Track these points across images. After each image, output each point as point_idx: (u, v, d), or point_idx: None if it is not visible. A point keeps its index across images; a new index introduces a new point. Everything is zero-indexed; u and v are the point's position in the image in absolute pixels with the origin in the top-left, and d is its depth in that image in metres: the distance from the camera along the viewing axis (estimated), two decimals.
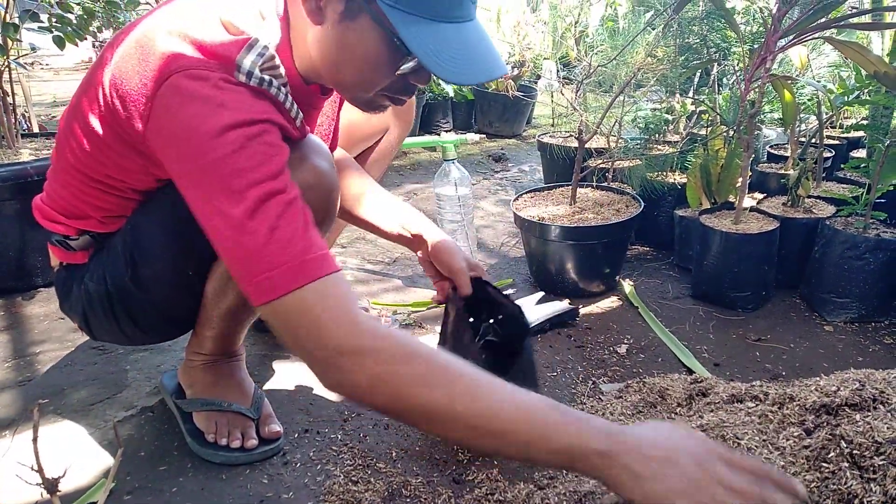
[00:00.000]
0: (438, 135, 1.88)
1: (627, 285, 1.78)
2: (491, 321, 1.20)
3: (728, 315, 1.63)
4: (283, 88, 0.88)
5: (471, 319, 1.22)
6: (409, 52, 0.81)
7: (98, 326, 1.10)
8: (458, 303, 1.18)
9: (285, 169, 0.81)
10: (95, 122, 0.92)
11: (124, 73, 0.86)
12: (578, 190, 1.87)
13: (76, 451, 1.16)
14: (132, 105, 0.86)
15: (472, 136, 1.99)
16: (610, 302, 1.73)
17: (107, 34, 2.52)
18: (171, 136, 0.81)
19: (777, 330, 1.55)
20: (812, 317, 1.61)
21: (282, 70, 0.88)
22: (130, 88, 0.85)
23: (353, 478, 1.08)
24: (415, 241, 1.23)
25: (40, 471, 0.91)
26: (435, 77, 0.86)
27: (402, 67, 0.86)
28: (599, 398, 1.31)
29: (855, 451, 0.78)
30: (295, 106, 0.92)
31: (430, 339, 1.54)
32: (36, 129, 2.27)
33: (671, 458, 0.70)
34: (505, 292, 1.22)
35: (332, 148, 1.27)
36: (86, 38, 2.03)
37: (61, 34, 1.90)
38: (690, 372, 1.38)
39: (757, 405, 1.01)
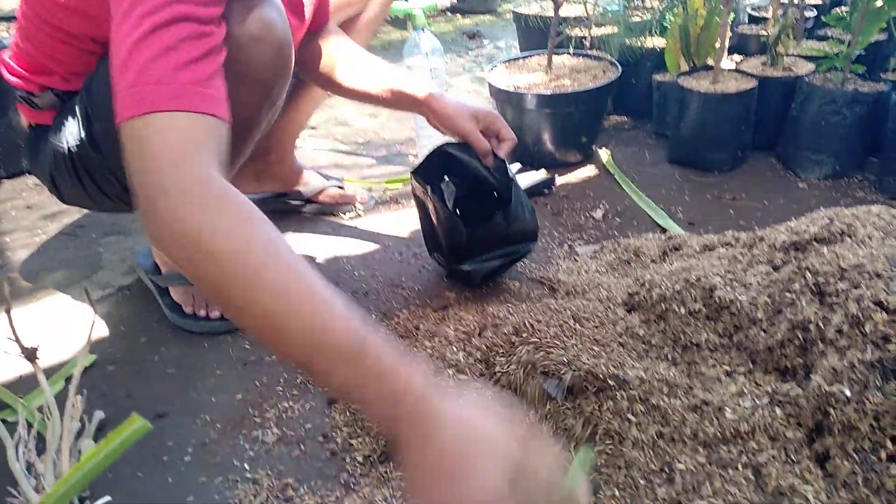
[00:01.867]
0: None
1: (604, 154, 1.76)
2: (446, 178, 1.21)
3: (704, 177, 1.63)
4: None
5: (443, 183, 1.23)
6: None
7: (65, 189, 1.09)
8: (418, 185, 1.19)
9: (218, 4, 0.75)
10: None
11: None
12: (555, 58, 1.80)
13: (55, 330, 1.16)
14: None
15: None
16: (587, 171, 1.72)
17: None
18: None
19: (752, 189, 1.56)
20: (787, 175, 1.61)
21: None
22: None
23: None
24: (415, 106, 1.20)
25: (17, 340, 0.92)
26: None
27: None
28: (575, 259, 1.33)
29: (820, 280, 0.79)
30: None
31: (406, 213, 1.54)
32: None
33: (462, 466, 0.55)
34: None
35: (324, 13, 1.20)
36: None
37: None
38: (665, 232, 1.40)
39: (728, 250, 1.02)
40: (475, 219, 1.16)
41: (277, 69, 0.95)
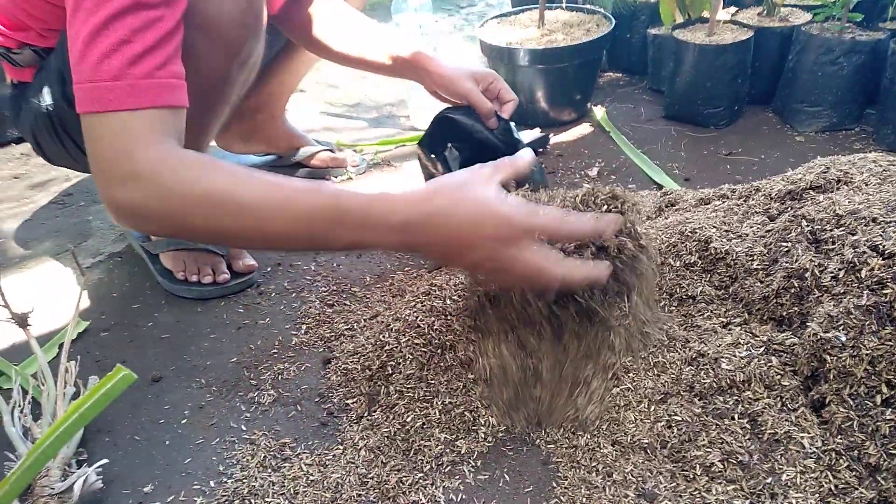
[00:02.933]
0: None
1: (599, 111, 1.73)
2: (449, 145, 1.17)
3: (700, 132, 1.61)
4: None
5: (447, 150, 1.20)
6: None
7: (48, 148, 1.07)
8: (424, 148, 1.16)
9: None
10: None
11: None
12: (547, 13, 1.77)
13: (46, 298, 1.15)
14: None
15: None
16: (581, 129, 1.70)
17: None
18: None
19: (748, 143, 1.54)
20: (784, 129, 1.59)
21: None
22: None
23: (328, 302, 1.09)
24: (410, 71, 1.16)
25: (7, 307, 0.91)
26: None
27: None
28: None
29: (815, 227, 0.78)
30: None
31: (398, 176, 1.52)
32: None
33: (469, 245, 0.70)
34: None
35: None
36: None
37: None
38: (661, 188, 1.38)
39: (724, 202, 1.01)
40: None
41: (247, 25, 0.91)
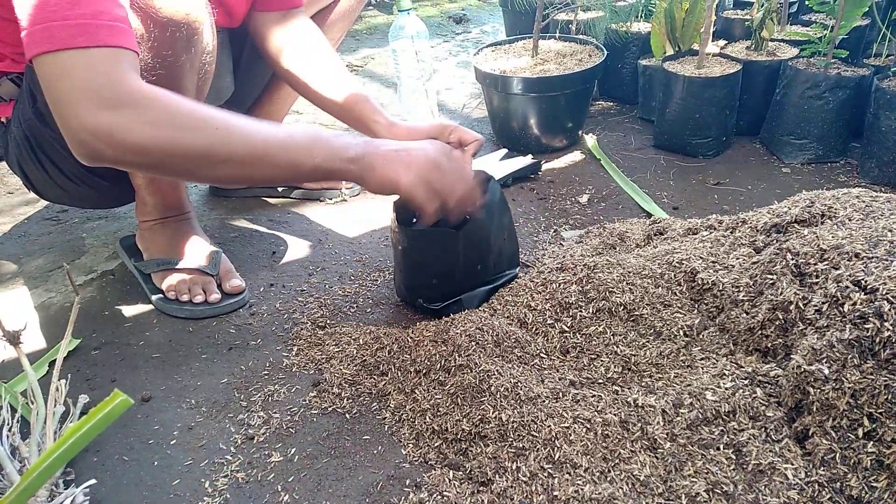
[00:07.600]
0: None
1: (590, 139, 1.76)
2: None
3: (689, 162, 1.64)
4: None
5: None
6: None
7: (36, 179, 1.07)
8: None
9: None
10: None
11: None
12: (541, 42, 1.80)
13: (38, 315, 1.15)
14: None
15: None
16: (572, 156, 1.72)
17: None
18: None
19: (736, 174, 1.57)
20: (771, 160, 1.62)
21: None
22: None
23: (320, 324, 1.09)
24: (366, 128, 1.16)
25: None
26: None
27: None
28: (561, 244, 1.33)
29: (800, 261, 0.80)
30: None
31: (392, 199, 1.53)
32: None
33: (408, 152, 0.89)
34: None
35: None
36: None
37: None
38: (650, 216, 1.40)
39: (711, 233, 1.03)
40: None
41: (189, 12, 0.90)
